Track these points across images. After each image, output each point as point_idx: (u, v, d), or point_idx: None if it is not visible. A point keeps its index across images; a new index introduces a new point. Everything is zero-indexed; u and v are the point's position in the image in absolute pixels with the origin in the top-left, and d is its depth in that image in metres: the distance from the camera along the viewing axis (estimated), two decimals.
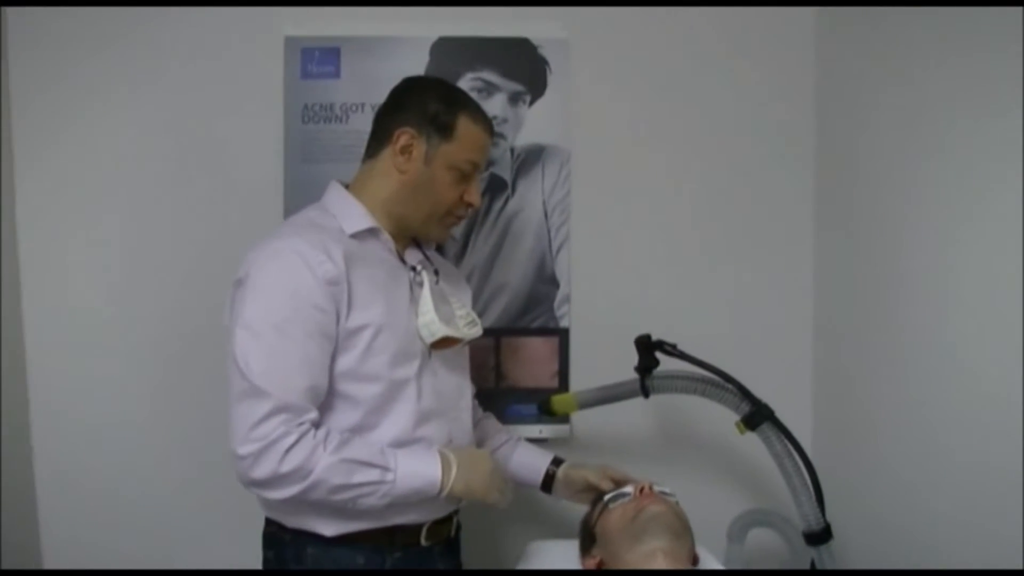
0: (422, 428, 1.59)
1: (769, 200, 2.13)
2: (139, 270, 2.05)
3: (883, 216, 1.83)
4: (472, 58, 2.05)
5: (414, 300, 1.64)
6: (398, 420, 1.57)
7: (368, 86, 2.03)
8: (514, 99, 2.07)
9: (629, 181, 2.11)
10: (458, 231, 2.06)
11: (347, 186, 1.68)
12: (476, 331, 1.71)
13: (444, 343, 1.63)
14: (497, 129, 2.01)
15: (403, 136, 1.62)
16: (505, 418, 2.01)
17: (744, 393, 1.77)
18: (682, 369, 1.81)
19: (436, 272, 1.74)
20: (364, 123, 1.94)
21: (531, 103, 2.07)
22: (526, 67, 2.07)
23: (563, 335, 2.11)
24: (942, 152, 1.62)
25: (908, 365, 1.75)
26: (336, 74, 2.04)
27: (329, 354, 1.52)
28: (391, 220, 1.65)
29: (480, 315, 1.98)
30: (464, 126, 1.63)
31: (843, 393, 2.03)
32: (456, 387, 1.72)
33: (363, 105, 2.04)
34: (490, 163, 2.05)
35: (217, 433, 1.55)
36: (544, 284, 2.10)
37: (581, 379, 2.07)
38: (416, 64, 2.03)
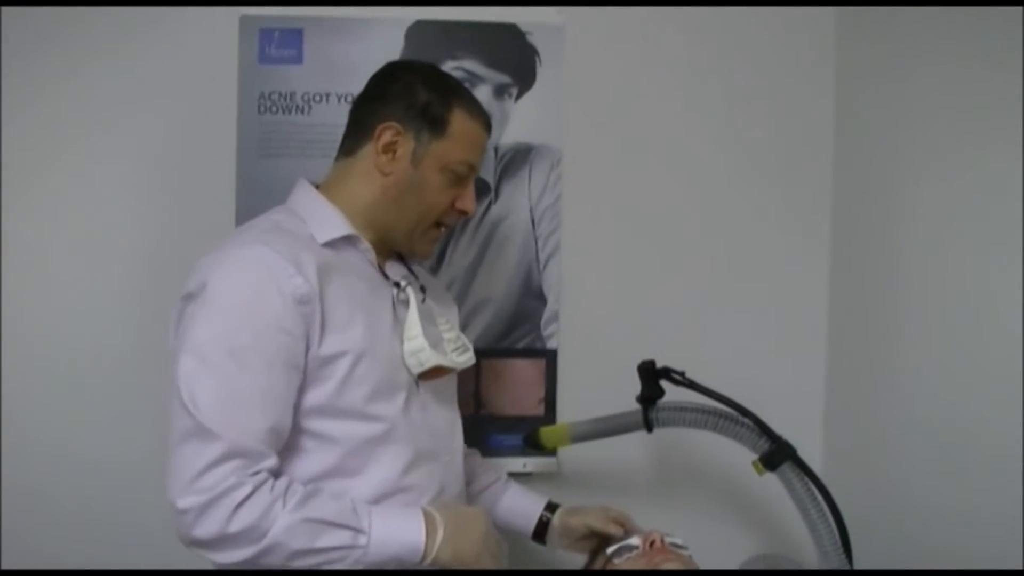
0: (411, 475, 1.38)
1: (783, 209, 1.96)
2: (83, 276, 1.82)
3: (906, 231, 1.69)
4: (453, 44, 1.84)
5: (398, 321, 1.43)
6: (383, 466, 1.36)
7: (334, 74, 1.81)
8: (499, 92, 1.85)
9: (628, 186, 1.92)
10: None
11: (317, 187, 1.46)
12: (468, 358, 1.50)
13: (434, 373, 1.42)
14: None
15: (386, 132, 1.41)
16: (485, 450, 1.81)
17: (763, 429, 1.57)
18: (691, 400, 1.61)
19: (423, 289, 1.54)
20: (329, 115, 1.77)
21: (518, 97, 1.86)
22: (513, 56, 1.86)
23: (551, 357, 1.90)
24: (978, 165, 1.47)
25: (929, 394, 1.61)
26: (298, 59, 1.82)
27: (296, 387, 1.30)
28: (371, 229, 1.44)
29: None
30: (459, 121, 1.43)
31: (857, 417, 1.87)
32: (448, 424, 1.51)
33: (328, 95, 1.81)
34: None
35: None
36: (530, 300, 1.89)
37: (570, 407, 1.88)
38: (389, 50, 1.81)
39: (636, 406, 1.66)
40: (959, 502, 1.51)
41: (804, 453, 1.56)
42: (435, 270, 1.85)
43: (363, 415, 1.34)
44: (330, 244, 1.38)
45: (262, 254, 1.29)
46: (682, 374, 1.61)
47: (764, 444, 1.58)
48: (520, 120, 1.86)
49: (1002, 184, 1.40)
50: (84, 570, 1.79)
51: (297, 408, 1.30)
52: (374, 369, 1.35)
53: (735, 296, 1.95)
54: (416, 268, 1.60)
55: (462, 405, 1.77)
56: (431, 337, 1.43)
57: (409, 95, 1.42)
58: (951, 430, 1.54)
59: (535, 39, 1.85)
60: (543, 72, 1.86)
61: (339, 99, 1.80)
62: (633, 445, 1.82)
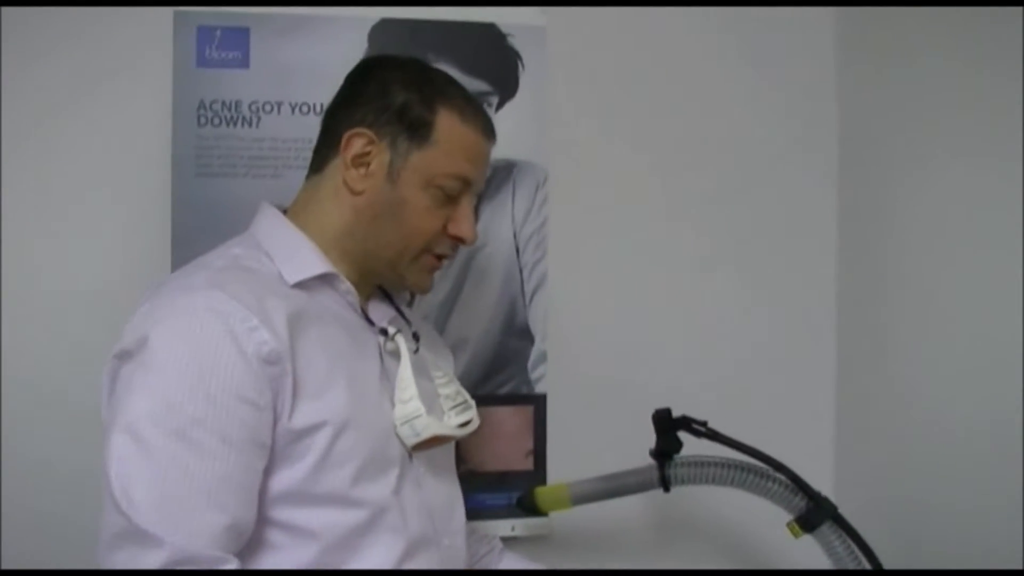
0: (406, 566, 1.16)
1: (788, 229, 1.81)
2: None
3: (916, 241, 1.60)
4: (423, 47, 1.61)
5: (386, 378, 1.20)
6: (371, 561, 1.13)
7: (286, 80, 1.58)
8: None
9: (622, 207, 1.74)
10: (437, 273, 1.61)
11: (285, 212, 1.24)
12: (470, 418, 1.28)
13: (431, 442, 1.20)
14: None
15: (355, 140, 1.18)
16: (467, 512, 1.54)
17: (799, 485, 1.38)
18: (713, 455, 1.42)
19: (415, 336, 1.29)
20: (281, 128, 1.58)
21: (498, 107, 1.65)
22: (492, 60, 1.65)
23: (539, 403, 1.69)
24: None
25: (946, 416, 1.51)
26: (244, 63, 1.57)
27: (261, 470, 1.06)
28: (349, 262, 1.22)
29: None
30: (447, 124, 1.19)
31: (869, 445, 1.74)
32: (447, 500, 1.28)
33: (280, 105, 1.58)
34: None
35: None
36: (514, 339, 1.68)
37: (563, 460, 1.68)
38: (350, 52, 1.57)
39: (642, 458, 1.47)
40: (980, 530, 1.43)
41: (814, 482, 1.41)
42: (407, 305, 1.60)
43: (346, 500, 1.11)
44: (302, 285, 1.16)
45: (216, 301, 1.05)
46: (704, 424, 1.42)
47: (800, 502, 1.39)
48: (501, 133, 1.56)
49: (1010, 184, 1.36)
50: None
51: (263, 495, 1.07)
52: (360, 442, 1.12)
53: (742, 327, 1.79)
54: (404, 307, 1.37)
55: None
56: (424, 397, 1.20)
57: (383, 95, 1.20)
58: (969, 456, 1.45)
59: (517, 41, 1.64)
60: (526, 79, 1.65)
61: (293, 109, 1.57)
62: (633, 502, 1.59)
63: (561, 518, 1.66)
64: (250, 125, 1.57)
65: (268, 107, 1.57)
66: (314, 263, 1.17)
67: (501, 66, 1.65)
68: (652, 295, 1.74)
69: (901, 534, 1.55)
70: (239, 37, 1.56)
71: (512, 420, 1.67)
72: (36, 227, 1.57)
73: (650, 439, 1.45)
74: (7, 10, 1.53)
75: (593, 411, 1.69)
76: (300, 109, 1.56)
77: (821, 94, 1.80)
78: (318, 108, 1.55)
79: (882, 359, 1.69)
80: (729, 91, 1.77)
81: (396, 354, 1.21)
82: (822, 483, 1.43)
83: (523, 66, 1.65)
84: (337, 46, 1.57)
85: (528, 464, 1.68)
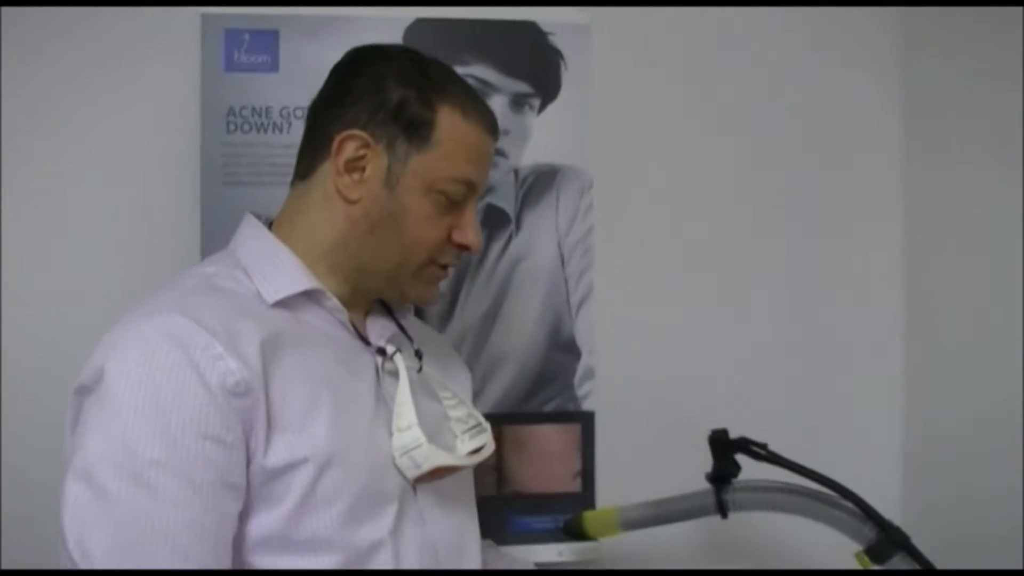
0: None
1: (852, 239, 1.71)
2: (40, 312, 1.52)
3: (987, 256, 1.52)
4: (460, 48, 1.54)
5: (383, 403, 1.10)
6: None
7: (317, 83, 1.43)
8: (517, 103, 1.56)
9: (672, 213, 1.64)
10: (442, 283, 1.53)
11: (271, 224, 1.15)
12: (482, 443, 1.17)
13: (436, 473, 1.09)
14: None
15: (348, 143, 1.08)
16: (509, 535, 1.54)
17: (868, 513, 1.27)
18: (773, 480, 1.32)
19: (418, 354, 1.19)
20: None
21: (540, 109, 1.57)
22: (533, 61, 1.57)
23: (587, 421, 1.60)
24: None
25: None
26: (273, 66, 1.50)
27: (235, 515, 0.96)
28: (339, 277, 1.12)
29: (474, 396, 1.50)
30: (449, 123, 1.09)
31: (941, 482, 1.63)
32: (456, 535, 1.16)
33: None
34: (486, 188, 1.53)
35: None
36: (560, 353, 1.59)
37: (612, 481, 1.60)
38: None
39: (696, 481, 1.37)
40: None
41: (881, 509, 1.29)
42: (444, 319, 1.54)
43: (334, 545, 1.00)
44: (284, 303, 1.06)
45: (178, 327, 0.95)
46: (764, 446, 1.32)
47: (869, 531, 1.29)
48: (543, 137, 1.57)
49: None
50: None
51: (241, 541, 0.97)
52: (349, 479, 1.01)
53: (803, 341, 1.69)
54: (410, 319, 1.28)
55: (481, 483, 1.50)
56: (429, 422, 1.10)
57: (377, 91, 1.09)
58: None
59: (559, 40, 1.56)
60: (569, 79, 1.56)
61: None
62: (686, 525, 1.49)
63: (611, 543, 1.57)
64: (280, 131, 1.50)
65: (299, 112, 1.48)
66: (296, 279, 1.07)
67: (542, 66, 1.56)
68: (706, 306, 1.65)
69: (976, 565, 1.46)
70: (268, 40, 1.49)
71: (558, 439, 1.58)
72: (61, 236, 1.51)
73: (705, 461, 1.35)
74: (33, 16, 1.47)
75: (643, 430, 1.61)
76: None
77: (884, 92, 1.70)
78: None
79: (954, 377, 1.60)
80: (785, 90, 1.68)
81: (396, 375, 1.12)
82: (889, 510, 1.32)
83: (566, 65, 1.56)
84: None
85: (575, 486, 1.59)
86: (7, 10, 1.47)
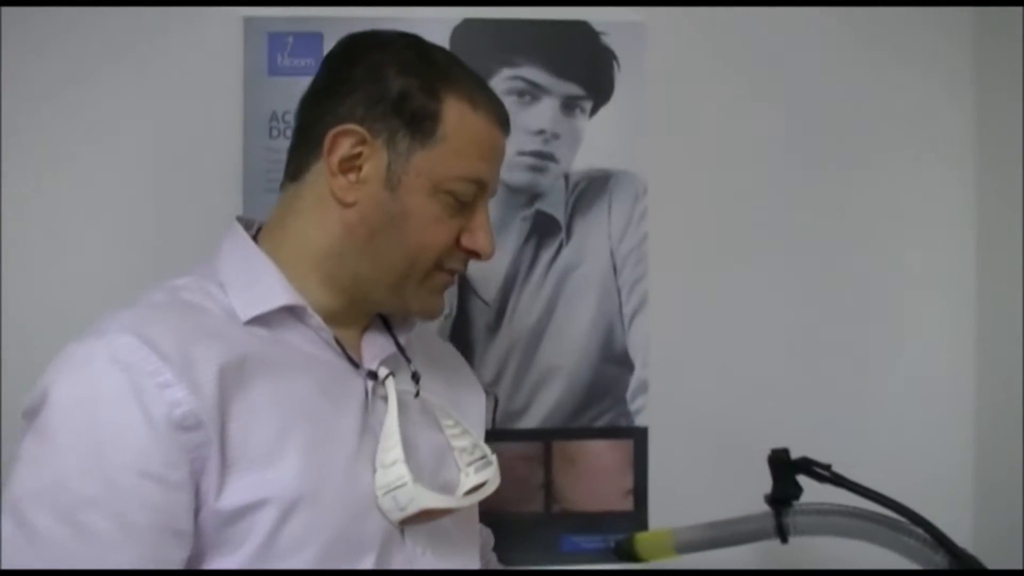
0: None
1: (923, 248, 1.61)
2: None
3: None
4: (509, 48, 1.49)
5: (370, 433, 0.99)
6: None
7: None
8: (568, 106, 1.50)
9: (731, 221, 1.56)
10: (489, 292, 1.48)
11: (260, 230, 1.07)
12: (486, 477, 1.07)
13: (426, 516, 0.98)
14: (545, 148, 1.47)
15: (342, 140, 0.98)
16: (558, 555, 1.49)
17: (940, 541, 1.19)
18: (837, 503, 1.25)
19: (415, 376, 1.07)
20: None
21: (592, 112, 1.51)
22: (585, 61, 1.51)
23: (639, 437, 1.53)
24: None
25: None
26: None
27: (177, 561, 0.87)
28: (334, 289, 1.02)
29: (523, 410, 1.44)
30: (456, 115, 1.00)
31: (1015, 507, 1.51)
32: None
33: None
34: (536, 194, 1.49)
35: None
36: (612, 366, 1.52)
37: (666, 500, 1.54)
38: None
39: (753, 502, 1.29)
40: None
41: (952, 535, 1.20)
42: (493, 331, 1.48)
43: None
44: (262, 321, 0.96)
45: (123, 351, 0.86)
46: (827, 467, 1.24)
47: (941, 560, 1.21)
48: (596, 141, 1.51)
49: None
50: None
51: None
52: (319, 523, 0.91)
53: (870, 356, 1.60)
54: (419, 333, 1.17)
55: (529, 500, 1.45)
56: (430, 453, 1.03)
57: (375, 81, 0.99)
58: None
59: (612, 40, 1.50)
60: (623, 80, 1.50)
61: None
62: (743, 549, 1.41)
63: (663, 566, 1.49)
64: None
65: None
66: (274, 294, 0.97)
67: (594, 67, 1.50)
68: (766, 318, 1.57)
69: None
70: (312, 43, 1.46)
71: (609, 455, 1.52)
72: (100, 243, 1.48)
73: (763, 481, 1.28)
74: (71, 15, 1.45)
75: (699, 447, 1.53)
76: None
77: (954, 92, 1.61)
78: None
79: None
80: (850, 92, 1.59)
81: (387, 402, 1.02)
82: (961, 537, 1.24)
83: (619, 66, 1.50)
84: None
85: (627, 504, 1.52)
86: (52, 15, 1.45)
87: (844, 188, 1.58)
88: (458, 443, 1.09)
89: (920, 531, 1.20)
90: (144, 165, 1.48)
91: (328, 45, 1.44)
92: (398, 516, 0.96)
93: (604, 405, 1.52)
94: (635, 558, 1.38)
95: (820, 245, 1.58)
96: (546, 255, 1.50)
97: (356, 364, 1.02)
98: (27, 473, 0.85)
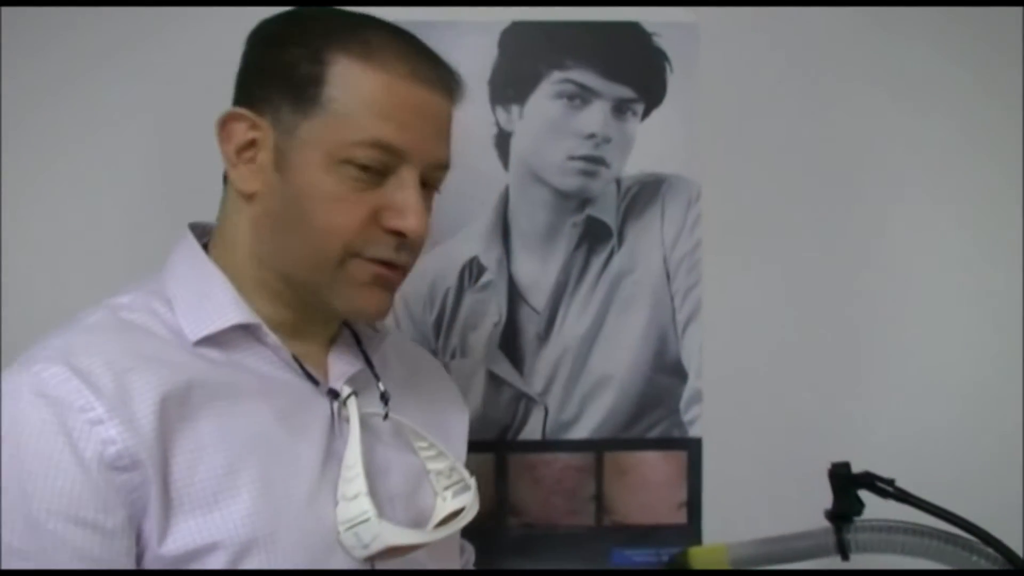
0: None
1: (981, 251, 1.53)
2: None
3: None
4: (559, 51, 1.44)
5: (335, 460, 0.91)
6: None
7: None
8: (619, 109, 1.45)
9: (787, 225, 1.50)
10: (538, 300, 1.44)
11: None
12: (463, 503, 0.99)
13: (395, 551, 0.89)
14: (596, 153, 1.43)
15: (233, 125, 0.90)
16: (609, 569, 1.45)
17: (1013, 561, 1.15)
18: (901, 519, 1.20)
19: (383, 396, 0.98)
20: None
21: (644, 115, 1.46)
22: (636, 63, 1.46)
23: (693, 449, 1.49)
24: None
25: None
26: None
27: None
28: (273, 297, 0.93)
29: (574, 420, 1.40)
30: (343, 73, 0.87)
31: None
32: None
33: None
34: (586, 199, 1.45)
35: None
36: (666, 376, 1.48)
37: (720, 513, 1.49)
38: (480, 59, 1.43)
39: (812, 517, 1.24)
40: None
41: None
42: (543, 339, 1.45)
43: None
44: (213, 342, 0.88)
45: (51, 383, 0.78)
46: (891, 483, 1.20)
47: None
48: (648, 144, 1.46)
49: None
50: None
51: None
52: (277, 565, 0.84)
53: (937, 366, 1.53)
54: (391, 349, 1.08)
55: (579, 512, 1.41)
56: (392, 481, 0.95)
57: (263, 59, 0.91)
58: None
59: (664, 41, 1.45)
60: (675, 83, 1.45)
61: None
62: (801, 565, 1.39)
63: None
64: None
65: None
66: (223, 311, 0.88)
67: (646, 69, 1.45)
68: (824, 326, 1.51)
69: None
70: None
71: (662, 467, 1.48)
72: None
73: (821, 495, 1.23)
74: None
75: (754, 459, 1.48)
76: None
77: (1008, 93, 1.54)
78: None
79: None
80: (912, 94, 1.52)
81: (361, 422, 0.93)
82: None
83: (671, 68, 1.45)
84: (466, 52, 1.38)
85: (680, 517, 1.48)
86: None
87: (906, 191, 1.52)
88: (434, 466, 1.01)
89: (991, 551, 1.15)
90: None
91: None
92: (362, 554, 0.87)
93: (657, 415, 1.48)
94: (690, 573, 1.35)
95: (882, 250, 1.51)
96: (597, 262, 1.46)
97: (315, 382, 0.93)
98: None
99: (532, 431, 1.45)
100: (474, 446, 1.42)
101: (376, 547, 0.86)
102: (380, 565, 0.91)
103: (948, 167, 1.53)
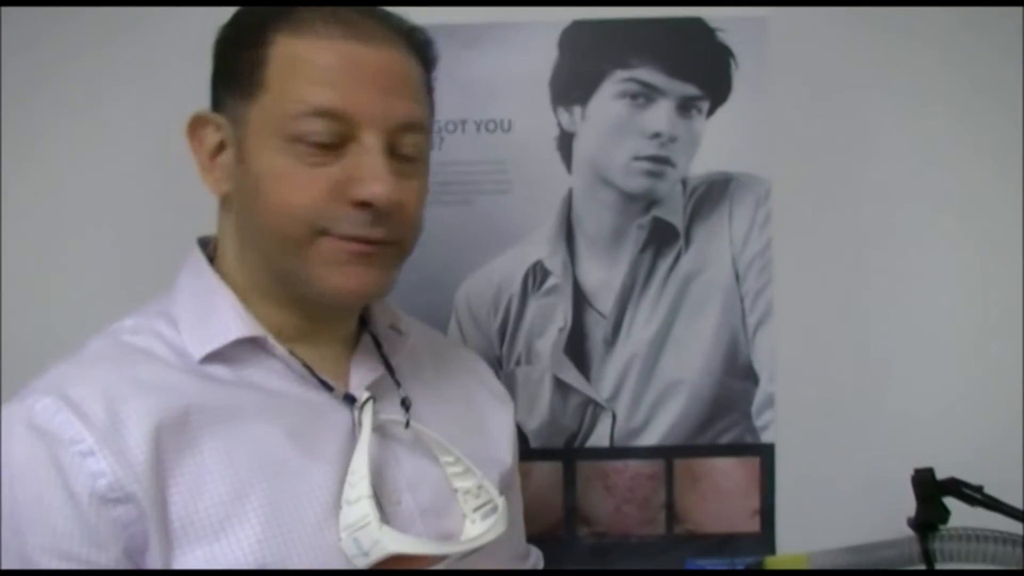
0: None
1: None
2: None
3: None
4: (621, 50, 1.40)
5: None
6: None
7: (471, 96, 1.40)
8: (684, 107, 1.41)
9: (860, 225, 1.45)
10: (605, 304, 1.41)
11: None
12: (488, 527, 0.91)
13: (405, 562, 0.83)
14: (662, 152, 1.40)
15: (199, 131, 0.88)
16: None
17: None
18: (990, 528, 1.16)
19: (404, 403, 0.94)
20: (466, 149, 1.40)
21: (710, 113, 1.42)
22: (701, 60, 1.41)
23: (766, 455, 1.44)
24: None
25: None
26: None
27: None
28: (278, 304, 0.89)
29: (643, 426, 1.38)
30: (281, 52, 0.84)
31: None
32: None
33: (464, 123, 1.40)
34: (652, 200, 1.41)
35: None
36: (737, 379, 1.43)
37: (796, 521, 1.44)
38: (541, 60, 1.40)
39: (892, 525, 1.23)
40: None
41: None
42: (610, 343, 1.41)
43: None
44: (220, 358, 0.85)
45: (42, 415, 0.76)
46: (979, 489, 1.16)
47: None
48: (714, 143, 1.41)
49: None
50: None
51: None
52: None
53: (1009, 365, 1.45)
54: (424, 350, 1.04)
55: (650, 521, 1.39)
56: (423, 497, 0.89)
57: (216, 58, 0.89)
58: None
59: (729, 37, 1.41)
60: (741, 79, 1.41)
61: (478, 127, 1.39)
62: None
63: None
64: (433, 148, 1.42)
65: (451, 126, 1.40)
66: (226, 325, 0.85)
67: (710, 66, 1.40)
68: (901, 328, 1.45)
69: None
70: None
71: (735, 474, 1.43)
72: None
73: (899, 503, 1.20)
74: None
75: (831, 466, 1.43)
76: (487, 127, 1.39)
77: None
78: (506, 125, 1.39)
79: None
80: (987, 88, 1.45)
81: (381, 431, 0.89)
82: None
83: (736, 64, 1.41)
84: (526, 54, 1.39)
85: (753, 526, 1.43)
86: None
87: (984, 186, 1.45)
88: (461, 484, 0.93)
89: None
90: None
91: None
92: (363, 562, 0.81)
93: (728, 421, 1.43)
94: None
95: (958, 247, 1.45)
96: (664, 264, 1.41)
97: (329, 388, 0.89)
98: None
99: (600, 438, 1.41)
100: (542, 454, 1.41)
101: (376, 555, 0.81)
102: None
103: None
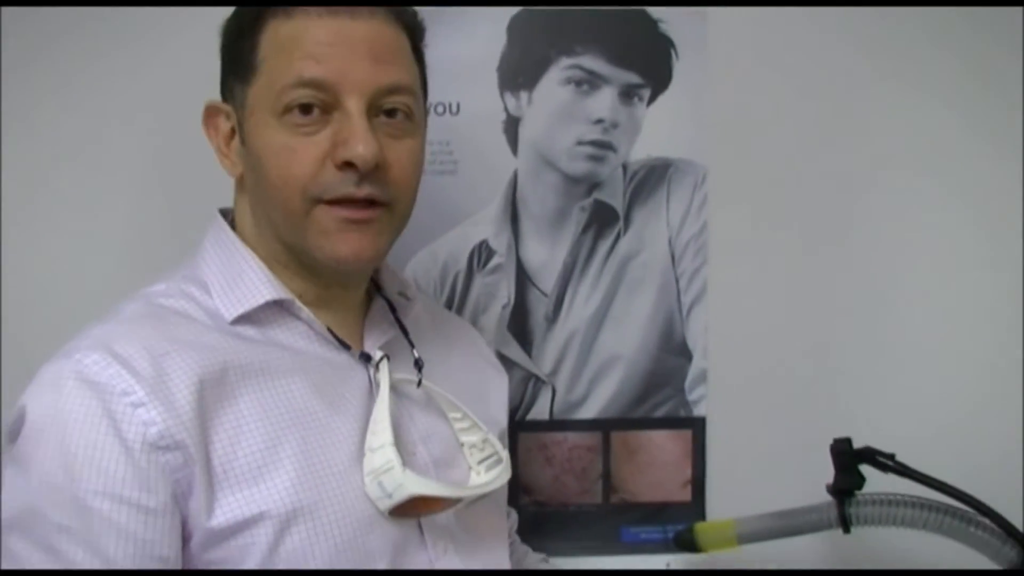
0: None
1: (980, 231, 1.54)
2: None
3: None
4: (567, 38, 1.45)
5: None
6: None
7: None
8: (627, 95, 1.46)
9: (792, 208, 1.51)
10: (547, 282, 1.47)
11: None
12: (495, 478, 1.00)
13: (420, 506, 0.91)
14: (604, 137, 1.46)
15: (213, 121, 0.98)
16: (618, 546, 1.47)
17: (1009, 532, 1.18)
18: (902, 493, 1.23)
19: (417, 363, 1.02)
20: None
21: (651, 100, 1.47)
22: (643, 50, 1.47)
23: (698, 428, 1.50)
24: None
25: None
26: None
27: None
28: (297, 272, 0.97)
29: (582, 400, 1.43)
30: (271, 36, 0.91)
31: None
32: None
33: None
34: (594, 184, 1.46)
35: None
36: (671, 356, 1.49)
37: (725, 491, 1.51)
38: (489, 46, 1.44)
39: (813, 492, 1.29)
40: None
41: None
42: (551, 321, 1.47)
43: None
44: (250, 320, 0.92)
45: (92, 369, 0.81)
46: (891, 457, 1.23)
47: (1010, 551, 1.19)
48: (654, 129, 1.47)
49: None
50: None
51: None
52: (322, 534, 0.86)
53: (935, 344, 1.54)
54: (427, 317, 1.13)
55: (587, 491, 1.45)
56: (434, 448, 0.97)
57: (222, 52, 0.97)
58: None
59: (670, 28, 1.47)
60: (681, 68, 1.47)
61: (428, 110, 1.44)
62: (805, 538, 1.39)
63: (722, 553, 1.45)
64: None
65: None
66: (257, 289, 0.92)
67: (653, 55, 1.46)
68: (827, 307, 1.52)
69: None
70: None
71: (669, 446, 1.49)
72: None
73: (823, 471, 1.27)
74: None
75: (758, 437, 1.49)
76: (435, 109, 1.42)
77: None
78: (454, 108, 1.43)
79: None
80: (918, 81, 1.52)
81: (396, 389, 0.96)
82: None
83: (677, 55, 1.47)
84: (472, 41, 1.43)
85: (686, 495, 1.50)
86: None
87: (912, 178, 1.53)
88: (467, 438, 1.03)
89: (988, 521, 1.18)
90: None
91: None
92: (386, 504, 0.89)
93: (663, 395, 1.49)
94: (695, 548, 1.37)
95: (884, 234, 1.52)
96: (604, 245, 1.47)
97: (348, 347, 0.97)
98: (6, 498, 0.82)
99: (541, 411, 1.47)
100: None
101: (399, 497, 0.88)
102: (429, 525, 0.94)
103: (961, 153, 1.54)
